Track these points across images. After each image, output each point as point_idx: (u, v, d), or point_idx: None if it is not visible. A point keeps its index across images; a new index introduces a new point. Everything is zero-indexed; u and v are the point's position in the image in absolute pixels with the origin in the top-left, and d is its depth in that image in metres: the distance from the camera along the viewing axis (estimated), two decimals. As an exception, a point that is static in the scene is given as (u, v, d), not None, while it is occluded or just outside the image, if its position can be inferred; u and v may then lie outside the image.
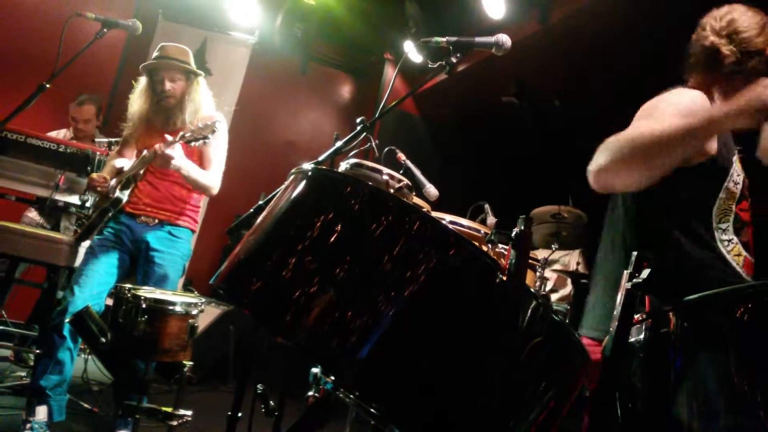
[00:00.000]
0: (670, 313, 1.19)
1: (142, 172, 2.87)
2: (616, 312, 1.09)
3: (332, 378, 1.29)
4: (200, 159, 2.90)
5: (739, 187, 1.67)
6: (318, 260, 1.04)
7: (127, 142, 3.08)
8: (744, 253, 1.63)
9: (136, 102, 2.99)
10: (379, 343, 0.96)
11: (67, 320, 2.56)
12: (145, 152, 2.84)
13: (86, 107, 4.30)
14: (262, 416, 2.03)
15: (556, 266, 4.84)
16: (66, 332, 2.61)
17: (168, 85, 2.87)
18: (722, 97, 1.66)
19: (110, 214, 2.83)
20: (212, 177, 2.88)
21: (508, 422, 1.02)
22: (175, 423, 2.15)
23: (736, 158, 1.69)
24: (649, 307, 1.20)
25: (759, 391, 1.05)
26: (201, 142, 2.69)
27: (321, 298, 1.01)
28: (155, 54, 2.94)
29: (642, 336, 1.22)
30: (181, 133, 2.69)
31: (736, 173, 1.67)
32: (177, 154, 2.70)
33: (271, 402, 2.01)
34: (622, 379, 1.18)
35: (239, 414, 1.90)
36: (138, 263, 2.83)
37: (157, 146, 2.68)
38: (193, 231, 2.99)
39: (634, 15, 4.03)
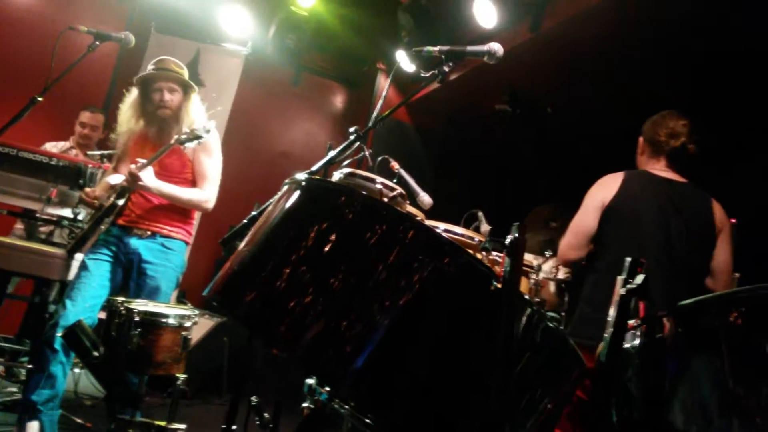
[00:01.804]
0: (665, 319, 1.19)
1: None
2: (611, 318, 1.09)
3: (327, 389, 1.28)
4: (193, 173, 2.89)
5: None
6: (312, 270, 1.04)
7: (121, 158, 3.06)
8: None
9: (127, 115, 2.97)
10: (375, 353, 0.96)
11: (59, 334, 2.54)
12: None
13: (98, 115, 4.56)
14: (257, 429, 2.02)
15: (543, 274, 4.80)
16: (58, 346, 2.58)
17: (167, 96, 2.86)
18: None
19: (105, 223, 2.81)
20: (203, 192, 2.87)
21: (505, 430, 1.01)
22: (169, 437, 2.14)
23: None
24: (643, 312, 1.20)
25: (754, 395, 1.05)
26: (195, 142, 2.70)
27: (316, 309, 1.00)
28: (151, 66, 2.93)
29: (637, 342, 1.22)
30: (176, 136, 2.70)
31: None
32: (146, 176, 2.69)
33: (265, 414, 1.99)
34: (617, 385, 1.18)
35: (234, 427, 1.88)
36: (130, 276, 2.81)
37: (131, 166, 2.68)
38: (187, 243, 2.97)
39: (625, 23, 4.06)
